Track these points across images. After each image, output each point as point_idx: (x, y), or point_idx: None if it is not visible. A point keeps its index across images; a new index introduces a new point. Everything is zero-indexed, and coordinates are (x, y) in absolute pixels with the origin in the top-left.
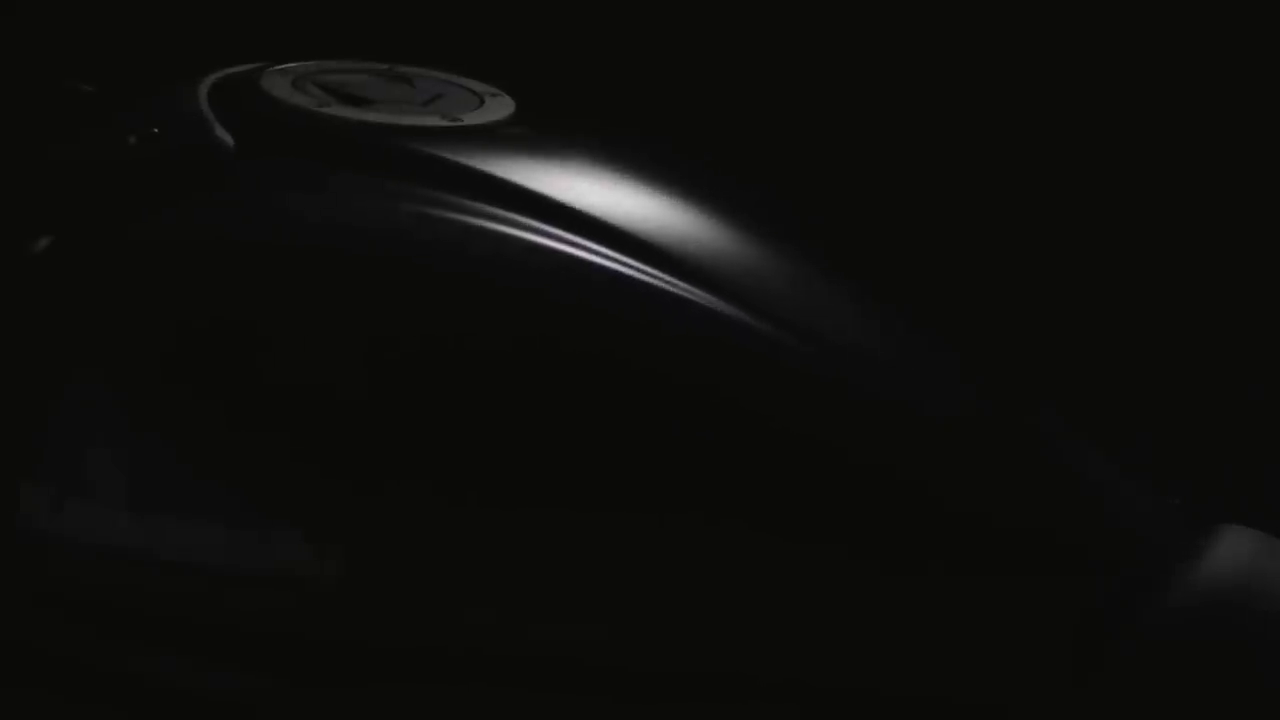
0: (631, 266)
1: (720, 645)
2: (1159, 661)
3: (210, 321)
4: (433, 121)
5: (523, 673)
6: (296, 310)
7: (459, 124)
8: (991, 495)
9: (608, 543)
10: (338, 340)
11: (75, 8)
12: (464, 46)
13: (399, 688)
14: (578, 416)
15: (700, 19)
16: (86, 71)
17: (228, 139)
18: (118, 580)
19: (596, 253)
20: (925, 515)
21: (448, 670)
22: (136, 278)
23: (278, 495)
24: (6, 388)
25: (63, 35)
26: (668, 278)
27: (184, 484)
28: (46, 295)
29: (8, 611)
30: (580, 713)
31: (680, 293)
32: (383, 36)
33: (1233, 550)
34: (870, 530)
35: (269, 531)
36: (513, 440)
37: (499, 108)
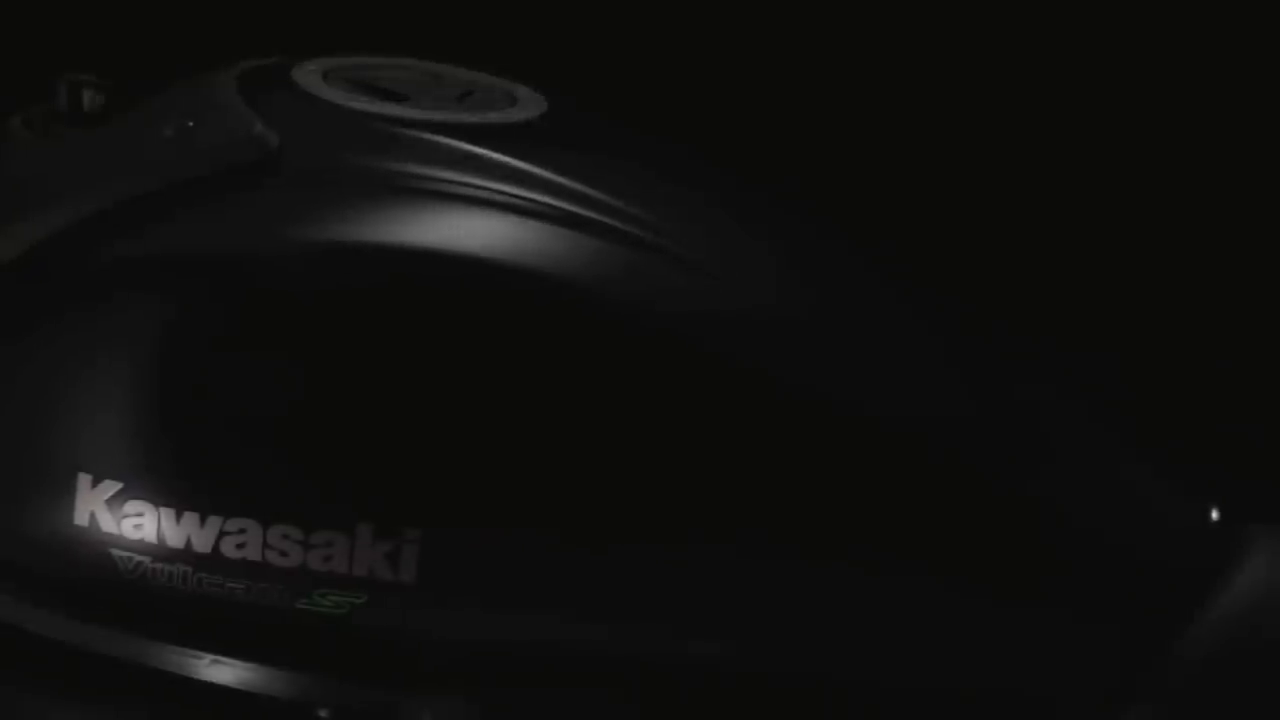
0: (708, 273)
1: (757, 643)
2: (1201, 680)
3: (261, 320)
4: (478, 118)
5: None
6: (357, 309)
7: (506, 120)
8: (1021, 504)
9: (668, 540)
10: (396, 338)
11: (73, 6)
12: (442, 43)
13: (457, 688)
14: (641, 414)
15: (700, 18)
16: (85, 67)
17: (272, 134)
18: (176, 579)
19: (668, 254)
20: (958, 527)
21: (508, 670)
22: (183, 273)
23: (341, 494)
24: (60, 385)
25: (61, 31)
26: (744, 282)
27: (242, 486)
28: (90, 293)
29: (65, 608)
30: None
31: (750, 294)
32: (358, 33)
33: (1267, 556)
34: (897, 535)
35: (338, 530)
36: (575, 438)
37: (533, 104)
